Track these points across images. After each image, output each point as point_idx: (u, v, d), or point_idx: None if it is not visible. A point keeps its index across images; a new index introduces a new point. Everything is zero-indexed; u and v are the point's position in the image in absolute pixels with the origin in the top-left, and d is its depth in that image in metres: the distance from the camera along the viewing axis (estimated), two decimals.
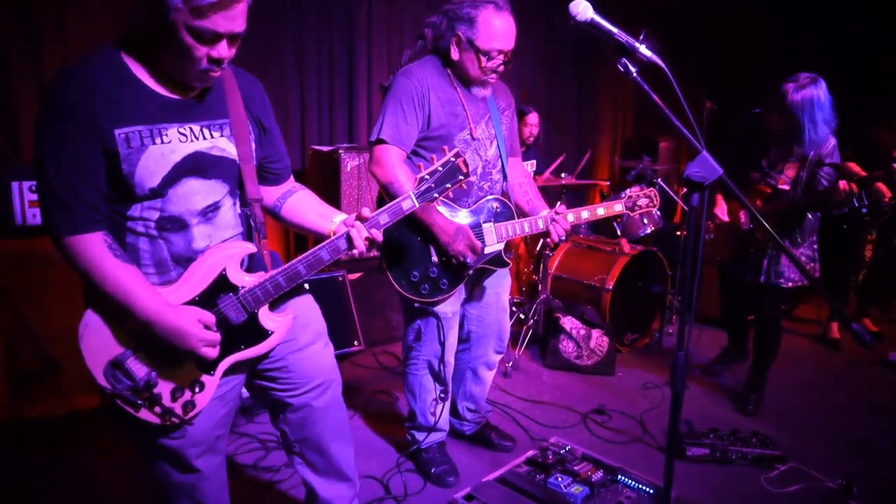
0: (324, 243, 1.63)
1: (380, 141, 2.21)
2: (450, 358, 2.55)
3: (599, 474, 2.42)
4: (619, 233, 4.30)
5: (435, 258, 2.32)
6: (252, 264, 1.65)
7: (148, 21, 1.35)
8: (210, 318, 1.51)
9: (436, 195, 1.70)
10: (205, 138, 1.51)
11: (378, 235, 1.65)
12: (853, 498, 2.51)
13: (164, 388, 1.52)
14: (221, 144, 1.54)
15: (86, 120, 1.35)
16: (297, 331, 1.76)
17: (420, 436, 2.62)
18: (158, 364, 1.51)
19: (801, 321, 4.83)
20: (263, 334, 1.62)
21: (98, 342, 1.47)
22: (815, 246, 3.14)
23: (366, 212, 1.66)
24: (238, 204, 1.63)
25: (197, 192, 1.50)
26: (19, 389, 2.77)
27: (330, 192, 3.83)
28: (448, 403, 2.63)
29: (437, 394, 2.58)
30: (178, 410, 1.53)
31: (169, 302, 1.47)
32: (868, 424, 3.21)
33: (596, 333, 3.77)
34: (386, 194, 2.26)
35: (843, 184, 2.80)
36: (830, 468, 2.69)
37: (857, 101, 4.90)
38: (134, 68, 1.42)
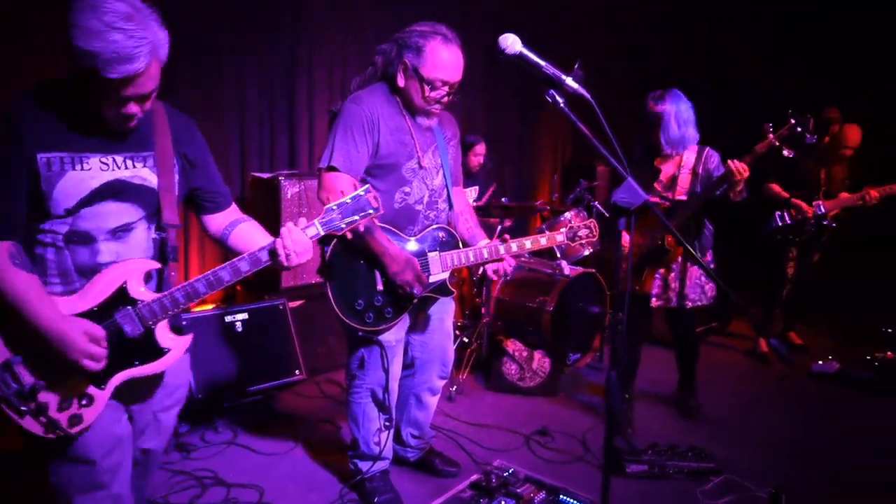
0: (239, 257, 1.67)
1: (330, 168, 2.20)
2: (394, 386, 2.54)
3: (542, 495, 2.45)
4: (558, 255, 4.39)
5: (380, 286, 2.29)
6: (161, 287, 1.70)
7: (71, 70, 1.44)
8: (98, 331, 1.53)
9: (342, 226, 1.73)
10: (126, 168, 1.60)
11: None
12: None
13: (50, 398, 1.53)
14: (143, 174, 1.63)
15: (15, 141, 1.46)
16: (163, 395, 1.82)
17: (363, 465, 2.58)
18: (47, 373, 1.53)
19: (734, 336, 5.03)
20: (159, 352, 1.64)
21: None
22: (713, 265, 3.33)
23: (301, 222, 1.71)
24: (153, 229, 1.69)
25: (111, 213, 1.58)
26: None
27: (270, 219, 3.78)
28: (392, 431, 2.61)
29: (381, 422, 2.55)
30: (64, 423, 1.54)
31: (60, 312, 1.50)
32: (797, 433, 3.36)
33: (538, 355, 3.82)
34: None
35: (733, 163, 2.86)
36: (763, 478, 2.79)
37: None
38: (67, 100, 1.52)
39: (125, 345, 1.59)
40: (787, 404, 3.78)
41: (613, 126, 1.49)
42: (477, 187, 4.66)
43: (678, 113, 3.08)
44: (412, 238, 2.37)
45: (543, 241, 2.57)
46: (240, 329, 3.27)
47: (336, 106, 2.33)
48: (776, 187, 4.32)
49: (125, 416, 1.72)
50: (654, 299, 3.31)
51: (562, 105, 1.51)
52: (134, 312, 1.59)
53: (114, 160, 1.57)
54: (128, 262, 1.61)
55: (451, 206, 2.51)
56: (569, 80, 1.49)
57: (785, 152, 3.08)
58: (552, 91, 1.50)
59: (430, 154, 2.38)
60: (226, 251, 1.85)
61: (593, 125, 1.54)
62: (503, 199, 4.49)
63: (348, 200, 1.73)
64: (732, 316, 5.23)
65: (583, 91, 1.50)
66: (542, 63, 1.50)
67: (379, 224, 2.27)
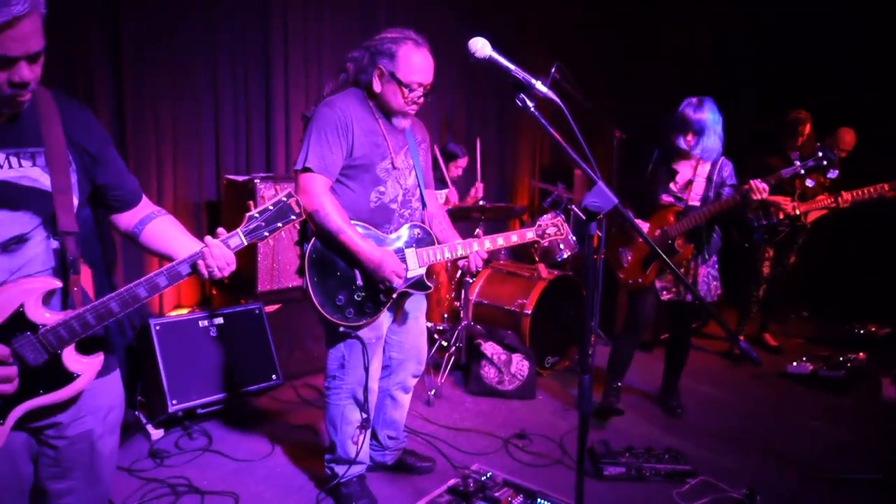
0: (157, 272, 1.52)
1: (305, 170, 2.25)
2: (374, 385, 2.55)
3: (519, 499, 2.45)
4: (537, 258, 4.41)
5: (360, 282, 2.34)
6: (64, 303, 1.50)
7: None
8: (4, 350, 1.36)
9: (266, 234, 1.67)
10: (11, 167, 1.40)
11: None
12: None
13: None
14: (34, 174, 1.42)
15: None
16: (95, 419, 1.59)
17: (340, 469, 2.56)
18: None
19: (711, 338, 5.08)
20: (68, 378, 1.45)
21: None
22: (717, 266, 3.44)
23: (223, 233, 1.60)
24: (52, 237, 1.48)
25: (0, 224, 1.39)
26: None
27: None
28: (369, 434, 2.60)
29: (360, 423, 2.54)
30: None
31: None
32: (772, 434, 3.40)
33: (517, 358, 3.83)
34: (311, 222, 2.28)
35: (756, 183, 3.02)
36: (738, 479, 2.82)
37: (753, 130, 5.30)
38: None
39: (27, 374, 1.39)
40: (762, 405, 3.82)
41: (592, 129, 1.50)
42: (454, 189, 4.66)
43: (717, 123, 3.18)
44: (389, 235, 2.42)
45: (514, 237, 2.63)
46: (215, 334, 3.23)
47: (310, 111, 2.37)
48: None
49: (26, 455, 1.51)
50: (664, 293, 3.39)
51: (531, 109, 1.51)
52: (36, 340, 1.39)
53: None
54: (23, 280, 1.40)
55: (424, 206, 2.56)
56: (538, 85, 1.49)
57: (808, 182, 3.24)
58: (522, 95, 1.50)
59: (403, 155, 2.45)
60: (140, 248, 1.69)
61: (566, 129, 1.54)
62: (481, 202, 4.50)
63: (270, 207, 1.67)
64: (710, 317, 5.29)
65: (552, 96, 1.50)
66: (512, 67, 1.50)
67: (355, 222, 2.32)
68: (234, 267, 1.60)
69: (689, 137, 3.20)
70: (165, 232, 1.67)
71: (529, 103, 1.51)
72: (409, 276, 2.41)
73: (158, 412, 3.03)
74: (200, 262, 1.54)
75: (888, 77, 5.27)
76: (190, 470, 2.80)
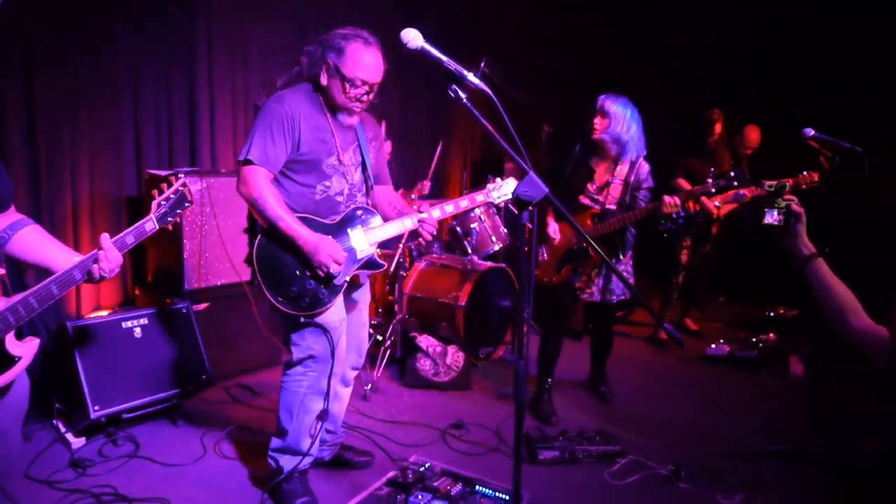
0: (50, 279, 1.59)
1: (247, 161, 2.29)
2: (338, 370, 2.52)
3: (458, 487, 2.49)
4: (469, 251, 4.46)
5: (309, 271, 2.34)
6: None
7: None
8: None
9: (169, 219, 1.89)
10: None
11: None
12: (682, 481, 2.80)
13: None
14: None
15: None
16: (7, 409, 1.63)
17: (288, 462, 2.50)
18: None
19: (636, 325, 5.31)
20: (9, 361, 1.55)
21: None
22: (632, 262, 3.60)
23: (105, 237, 1.69)
24: None
25: None
26: None
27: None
28: (322, 426, 2.55)
29: (319, 414, 2.49)
30: None
31: None
32: (694, 413, 3.59)
33: (451, 350, 3.87)
34: (254, 210, 2.32)
35: (668, 198, 3.17)
36: (664, 456, 2.97)
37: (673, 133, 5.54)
38: None
39: None
40: (684, 386, 4.03)
41: (522, 120, 1.54)
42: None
43: (630, 118, 3.27)
44: (332, 223, 2.42)
45: (464, 202, 2.65)
46: (139, 335, 3.10)
47: (261, 102, 2.40)
48: (683, 182, 4.59)
49: None
50: (581, 294, 3.49)
51: (464, 100, 1.53)
52: None
53: None
54: None
55: (368, 193, 2.59)
56: (470, 76, 1.52)
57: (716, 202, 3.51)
58: (454, 86, 1.52)
59: (351, 152, 2.48)
60: (6, 255, 1.70)
61: (497, 121, 1.57)
62: (412, 195, 4.51)
63: (172, 196, 1.89)
64: (635, 306, 5.52)
65: (484, 86, 1.53)
66: (444, 58, 1.52)
67: (300, 214, 2.34)
68: (118, 270, 1.71)
69: (597, 120, 3.31)
70: (38, 241, 1.70)
71: (462, 94, 1.54)
72: (358, 256, 2.43)
73: (79, 420, 2.88)
74: (95, 270, 1.64)
75: (888, 77, 5.35)
76: (116, 478, 2.68)
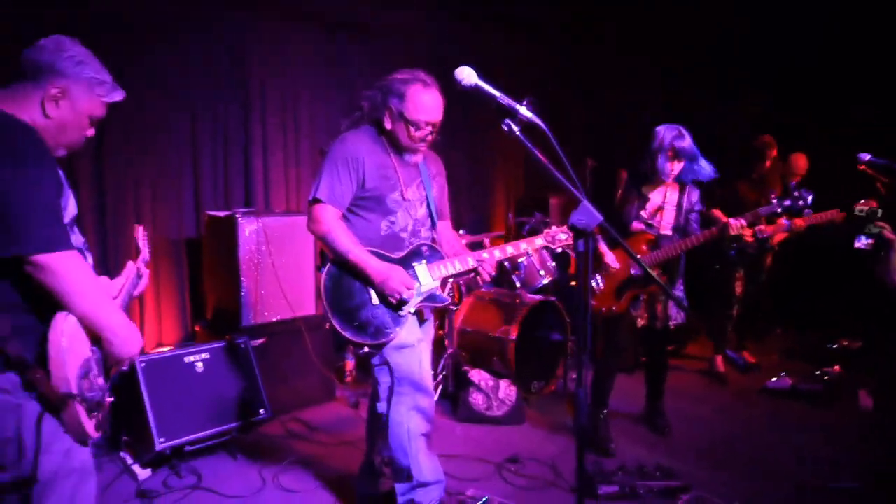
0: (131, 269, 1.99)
1: (316, 200, 2.40)
2: (429, 384, 2.54)
3: None
4: (517, 285, 4.47)
5: (375, 301, 2.40)
6: None
7: None
8: None
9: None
10: None
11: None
12: None
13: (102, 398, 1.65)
14: None
15: None
16: None
17: (424, 496, 2.47)
18: (99, 373, 1.63)
19: (690, 358, 5.17)
20: None
21: (73, 346, 1.52)
22: (682, 288, 3.54)
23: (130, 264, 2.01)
24: None
25: None
26: None
27: (227, 258, 3.75)
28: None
29: (426, 433, 2.49)
30: (102, 421, 1.65)
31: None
32: (758, 447, 3.46)
33: (504, 384, 3.85)
34: (325, 246, 2.42)
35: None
36: (729, 493, 2.86)
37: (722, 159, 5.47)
38: None
39: None
40: (745, 420, 3.89)
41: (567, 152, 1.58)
42: None
43: (694, 146, 3.27)
44: (397, 258, 2.48)
45: (523, 245, 2.67)
46: (201, 370, 3.21)
47: (326, 146, 2.52)
48: (718, 212, 4.52)
49: None
50: (639, 320, 3.45)
51: (517, 133, 1.58)
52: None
53: None
54: None
55: (433, 227, 2.65)
56: (523, 110, 1.57)
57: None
58: (507, 120, 1.58)
59: (415, 187, 2.54)
60: None
61: (547, 155, 1.62)
62: (461, 231, 4.56)
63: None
64: (689, 338, 5.39)
65: (536, 119, 1.58)
66: (497, 94, 1.58)
67: (367, 248, 2.41)
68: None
69: (676, 164, 3.28)
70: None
71: (515, 128, 1.59)
72: (422, 290, 2.46)
73: (145, 451, 2.98)
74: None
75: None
76: None
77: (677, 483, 2.92)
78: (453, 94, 1.83)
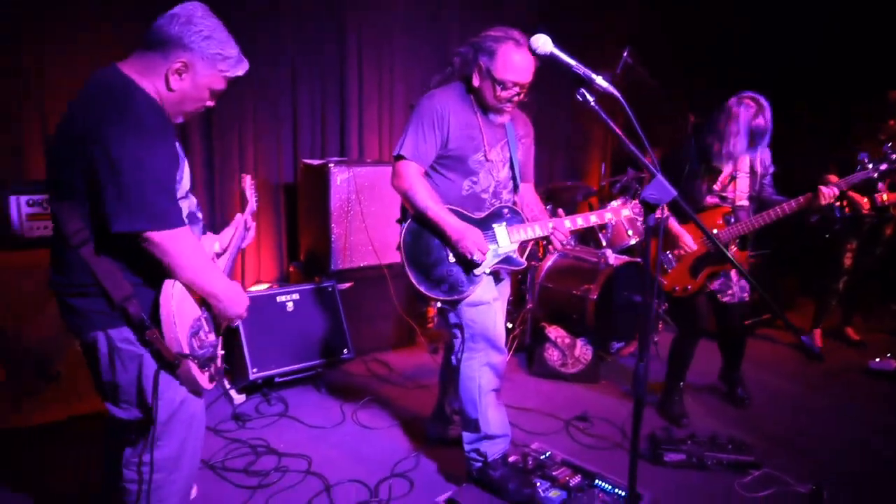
0: (240, 221, 2.20)
1: (400, 157, 2.44)
2: (502, 341, 2.58)
3: (577, 479, 2.53)
4: (604, 244, 4.40)
5: (452, 259, 2.45)
6: None
7: None
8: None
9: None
10: None
11: None
12: (823, 502, 2.58)
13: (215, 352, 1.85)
14: None
15: None
16: None
17: (489, 447, 2.55)
18: (210, 331, 1.81)
19: (782, 329, 4.90)
20: None
21: (182, 310, 1.68)
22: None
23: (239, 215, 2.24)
24: None
25: None
26: (20, 399, 2.86)
27: (319, 205, 3.94)
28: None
29: (496, 388, 2.55)
30: (216, 373, 1.84)
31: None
32: (844, 431, 3.29)
33: (580, 342, 3.86)
34: (405, 201, 2.47)
35: (825, 189, 2.90)
36: (804, 473, 2.78)
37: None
38: None
39: None
40: (838, 401, 3.68)
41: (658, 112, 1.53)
42: None
43: (770, 122, 2.98)
44: (478, 217, 2.50)
45: (593, 217, 2.63)
46: (291, 309, 3.45)
47: (415, 100, 2.53)
48: (834, 178, 4.17)
49: None
50: (719, 295, 3.32)
51: (592, 103, 1.56)
52: None
53: None
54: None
55: (515, 191, 2.65)
56: (598, 80, 1.53)
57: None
58: (582, 90, 1.55)
59: (499, 148, 2.53)
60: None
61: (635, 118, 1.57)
62: (549, 185, 4.52)
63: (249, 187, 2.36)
64: (783, 308, 5.12)
65: (612, 90, 1.54)
66: (573, 63, 1.55)
67: (447, 206, 2.43)
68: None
69: (749, 141, 2.99)
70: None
71: (590, 97, 1.56)
72: (500, 251, 2.50)
73: (241, 379, 3.28)
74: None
75: None
76: (268, 432, 3.04)
77: (748, 458, 2.85)
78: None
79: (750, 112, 2.97)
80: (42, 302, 2.82)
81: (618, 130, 1.56)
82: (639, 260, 4.30)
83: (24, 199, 2.91)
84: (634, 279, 4.29)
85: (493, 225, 2.51)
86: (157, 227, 1.57)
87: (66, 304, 1.69)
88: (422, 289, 2.45)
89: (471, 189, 2.51)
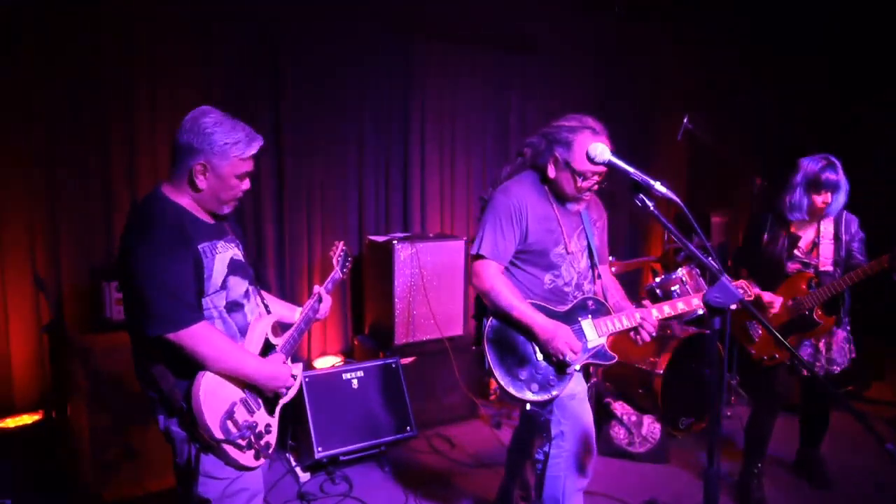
0: (310, 303, 2.27)
1: (479, 256, 2.38)
2: (593, 440, 2.51)
3: None
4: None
5: (539, 356, 2.35)
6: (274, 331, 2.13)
7: None
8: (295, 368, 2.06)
9: (344, 270, 2.55)
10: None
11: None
12: None
13: (261, 430, 1.93)
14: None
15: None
16: None
17: None
18: (255, 410, 1.91)
19: (872, 402, 4.60)
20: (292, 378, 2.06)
21: (214, 398, 1.79)
22: (849, 326, 3.23)
23: (317, 287, 2.33)
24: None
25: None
26: (101, 474, 3.00)
27: (383, 280, 4.05)
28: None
29: (581, 489, 2.47)
30: (264, 449, 1.89)
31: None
32: None
33: (648, 419, 3.74)
34: (487, 301, 2.38)
35: None
36: None
37: None
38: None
39: None
40: None
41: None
42: None
43: (842, 179, 2.98)
44: (562, 311, 2.41)
45: (681, 305, 2.52)
46: (356, 386, 3.51)
47: (487, 193, 2.49)
48: None
49: None
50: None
51: (651, 209, 1.57)
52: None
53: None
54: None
55: (597, 279, 2.56)
56: (657, 185, 1.56)
57: None
58: (641, 195, 1.57)
59: (576, 238, 2.46)
60: None
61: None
62: (611, 258, 4.48)
63: (340, 254, 2.54)
64: (871, 379, 4.81)
65: (671, 195, 1.56)
66: (630, 169, 1.58)
67: (531, 301, 2.37)
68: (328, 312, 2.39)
69: (826, 196, 2.98)
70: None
71: (649, 203, 1.58)
72: (589, 346, 2.39)
73: (306, 457, 3.33)
74: (319, 304, 2.29)
75: None
76: None
77: None
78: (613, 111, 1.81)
79: (817, 165, 2.98)
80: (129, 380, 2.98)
81: (680, 235, 1.56)
82: (707, 331, 4.17)
83: (113, 284, 3.14)
84: (703, 351, 4.16)
85: (580, 318, 2.41)
86: (170, 329, 1.73)
87: (142, 388, 1.89)
88: (511, 390, 2.31)
89: (553, 283, 2.42)
